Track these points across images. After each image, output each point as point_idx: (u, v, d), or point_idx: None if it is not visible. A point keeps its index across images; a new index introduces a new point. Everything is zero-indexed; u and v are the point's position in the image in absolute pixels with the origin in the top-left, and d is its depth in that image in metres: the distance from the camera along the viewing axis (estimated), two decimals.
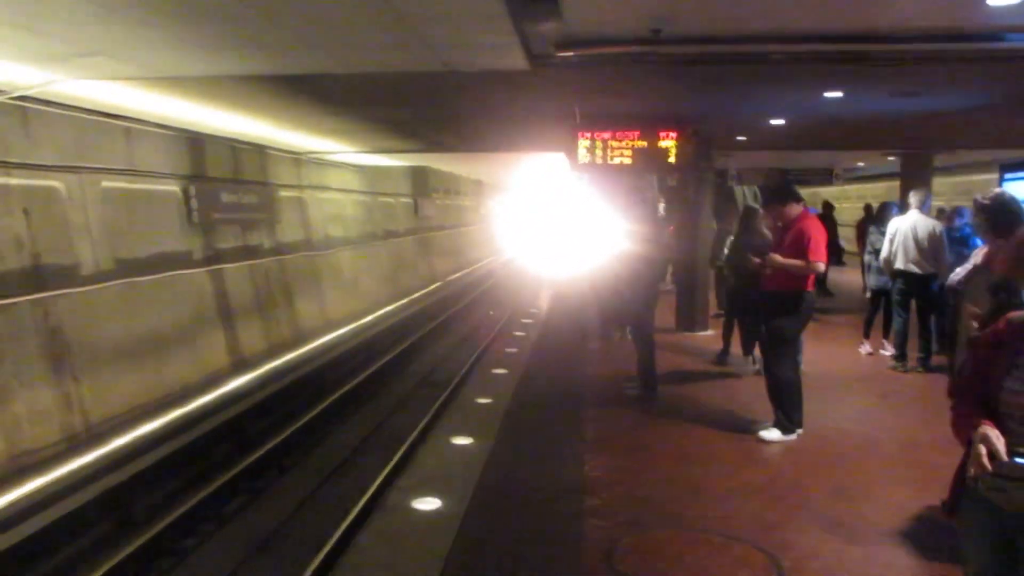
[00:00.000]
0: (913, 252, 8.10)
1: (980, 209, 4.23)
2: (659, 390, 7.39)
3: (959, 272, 4.84)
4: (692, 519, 4.58)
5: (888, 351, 8.98)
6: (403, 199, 22.84)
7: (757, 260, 6.06)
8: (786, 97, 8.91)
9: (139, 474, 7.75)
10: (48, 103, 8.12)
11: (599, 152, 9.97)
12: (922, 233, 8.08)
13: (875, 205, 12.31)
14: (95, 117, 9.00)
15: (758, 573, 3.90)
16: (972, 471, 2.29)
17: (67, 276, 8.41)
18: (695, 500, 4.85)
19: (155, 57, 6.23)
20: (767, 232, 7.71)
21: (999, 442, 2.19)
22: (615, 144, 9.88)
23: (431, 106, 9.78)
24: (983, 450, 2.20)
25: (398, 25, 5.24)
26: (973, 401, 2.45)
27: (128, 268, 9.44)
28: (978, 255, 4.79)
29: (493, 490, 5.03)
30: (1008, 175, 10.99)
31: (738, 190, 23.63)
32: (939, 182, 16.43)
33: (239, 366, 11.44)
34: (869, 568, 3.95)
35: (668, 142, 9.90)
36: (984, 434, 2.22)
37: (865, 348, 9.35)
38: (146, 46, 5.85)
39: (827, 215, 16.63)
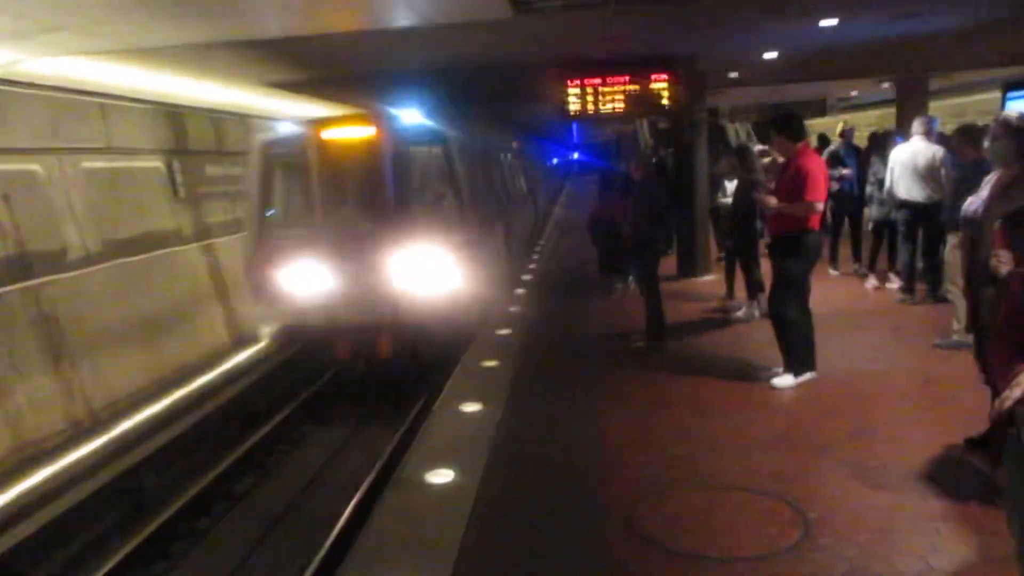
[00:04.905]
0: (915, 180, 7.91)
1: (1011, 132, 3.96)
2: (666, 341, 7.27)
3: (974, 201, 4.61)
4: (714, 475, 4.47)
5: (895, 283, 8.85)
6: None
7: (757, 196, 5.85)
8: (780, 28, 8.62)
9: (147, 458, 7.65)
10: (14, 83, 7.80)
11: (590, 100, 9.69)
12: (923, 161, 7.87)
13: (868, 134, 12.03)
14: (68, 95, 8.67)
15: (785, 528, 3.79)
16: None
17: (55, 261, 8.19)
18: (715, 454, 4.75)
19: (124, 28, 5.94)
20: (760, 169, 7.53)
21: None
22: (606, 90, 9.61)
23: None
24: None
25: None
26: (1009, 346, 2.30)
27: (117, 249, 9.21)
28: (991, 182, 4.57)
29: (506, 457, 4.91)
30: (1012, 93, 10.62)
31: (730, 128, 23.24)
32: (932, 106, 16.09)
33: (239, 342, 11.28)
34: (898, 515, 3.84)
35: (660, 84, 9.63)
36: None
37: (871, 282, 9.20)
38: (113, 17, 5.56)
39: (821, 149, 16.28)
